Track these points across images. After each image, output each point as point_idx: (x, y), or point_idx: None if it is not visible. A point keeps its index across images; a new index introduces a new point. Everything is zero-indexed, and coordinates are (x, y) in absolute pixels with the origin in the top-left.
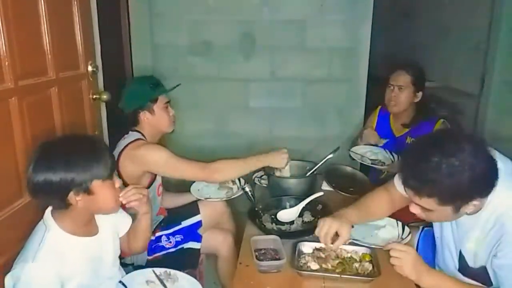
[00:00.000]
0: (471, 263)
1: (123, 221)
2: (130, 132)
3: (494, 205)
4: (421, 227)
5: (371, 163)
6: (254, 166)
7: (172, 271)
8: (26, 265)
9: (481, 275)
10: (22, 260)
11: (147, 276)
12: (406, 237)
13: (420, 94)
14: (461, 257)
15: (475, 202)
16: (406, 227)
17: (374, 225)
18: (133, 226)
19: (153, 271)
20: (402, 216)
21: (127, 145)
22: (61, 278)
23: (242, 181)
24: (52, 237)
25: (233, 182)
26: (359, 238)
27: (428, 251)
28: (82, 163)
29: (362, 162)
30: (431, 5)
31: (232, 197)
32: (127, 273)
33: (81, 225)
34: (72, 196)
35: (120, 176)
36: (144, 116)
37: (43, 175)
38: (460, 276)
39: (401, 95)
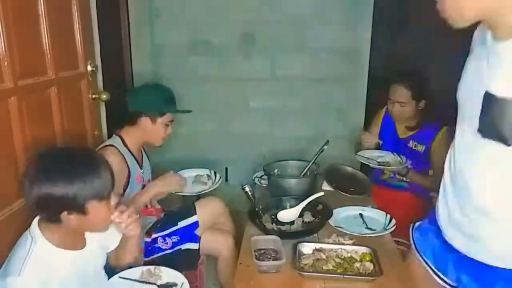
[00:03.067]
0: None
1: (113, 236)
2: (113, 135)
3: None
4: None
5: (378, 165)
6: (150, 195)
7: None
8: (11, 280)
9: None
10: (7, 274)
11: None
12: (390, 228)
13: (423, 103)
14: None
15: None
16: (393, 220)
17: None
18: (121, 244)
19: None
20: (403, 215)
21: (99, 148)
22: None
23: (218, 175)
24: (38, 249)
25: (208, 176)
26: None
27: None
28: (84, 178)
29: (369, 164)
30: (432, 5)
31: (206, 191)
32: None
33: (69, 239)
34: (65, 214)
35: None
36: (146, 121)
37: (42, 187)
38: (480, 139)
39: (403, 110)
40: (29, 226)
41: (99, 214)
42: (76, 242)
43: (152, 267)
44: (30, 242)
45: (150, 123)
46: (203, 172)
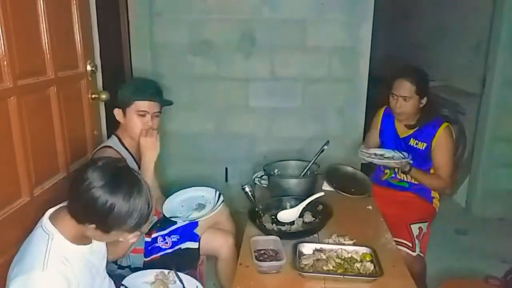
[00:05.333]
0: None
1: None
2: (112, 135)
3: None
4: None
5: (380, 159)
6: (151, 170)
7: (169, 272)
8: (37, 275)
9: None
10: (27, 270)
11: (146, 278)
12: (407, 157)
13: (425, 99)
14: None
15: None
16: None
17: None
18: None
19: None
20: (404, 216)
21: (97, 150)
22: (69, 284)
23: (221, 198)
24: (56, 244)
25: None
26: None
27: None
28: (133, 215)
29: (372, 160)
30: (432, 5)
31: (205, 216)
32: (124, 275)
33: (80, 235)
34: (92, 226)
35: None
36: (119, 114)
37: (103, 194)
38: None
39: (406, 105)
40: (39, 222)
41: (114, 238)
42: (85, 238)
43: (165, 271)
44: (47, 238)
45: (122, 116)
46: (208, 193)
